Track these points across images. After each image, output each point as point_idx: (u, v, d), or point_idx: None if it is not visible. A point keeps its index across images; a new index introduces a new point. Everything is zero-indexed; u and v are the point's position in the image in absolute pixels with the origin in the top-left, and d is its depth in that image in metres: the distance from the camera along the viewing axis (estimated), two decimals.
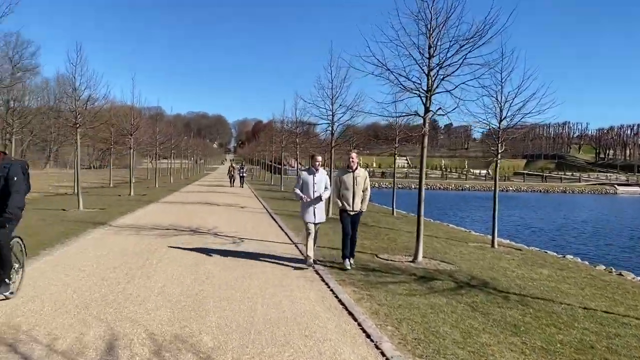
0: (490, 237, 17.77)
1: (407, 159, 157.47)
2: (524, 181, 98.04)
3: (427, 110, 10.17)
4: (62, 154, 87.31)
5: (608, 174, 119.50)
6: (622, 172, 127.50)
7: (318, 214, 9.32)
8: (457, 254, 12.03)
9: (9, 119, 19.11)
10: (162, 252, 9.93)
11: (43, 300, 6.34)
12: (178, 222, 15.34)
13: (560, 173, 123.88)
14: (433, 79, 9.89)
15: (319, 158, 9.38)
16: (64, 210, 18.17)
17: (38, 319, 5.63)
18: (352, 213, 9.41)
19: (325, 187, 9.32)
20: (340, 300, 6.83)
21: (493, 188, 15.85)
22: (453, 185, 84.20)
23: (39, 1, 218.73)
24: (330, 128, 19.15)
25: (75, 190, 29.50)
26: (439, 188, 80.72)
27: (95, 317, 5.72)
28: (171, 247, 10.63)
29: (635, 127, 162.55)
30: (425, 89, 10.10)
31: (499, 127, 15.33)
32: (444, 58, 9.74)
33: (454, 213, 38.82)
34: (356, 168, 9.46)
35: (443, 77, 9.89)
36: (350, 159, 9.46)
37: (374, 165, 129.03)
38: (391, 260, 10.40)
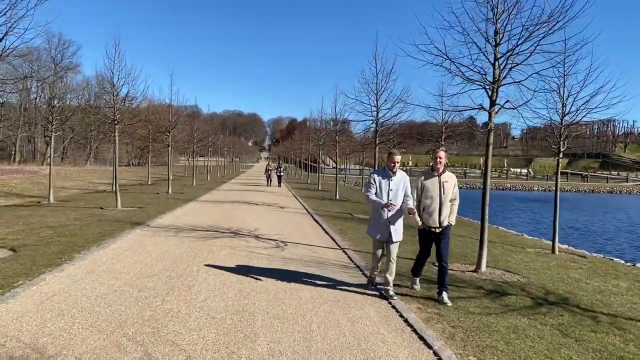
0: (548, 241, 16.58)
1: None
2: (567, 180, 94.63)
3: (493, 103, 9.17)
4: (101, 151, 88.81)
5: None
6: None
7: (395, 230, 7.10)
8: (518, 261, 10.96)
9: (48, 117, 18.84)
10: (202, 257, 9.23)
11: (74, 315, 5.67)
12: (217, 222, 14.69)
13: (605, 172, 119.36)
14: (501, 68, 8.87)
15: (398, 157, 7.14)
16: (101, 208, 17.80)
17: (67, 339, 4.94)
18: (437, 230, 7.17)
19: (405, 195, 7.16)
20: (406, 321, 5.94)
21: (553, 188, 14.73)
22: (494, 185, 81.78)
23: (80, 1, 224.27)
24: (374, 124, 18.23)
25: (114, 188, 29.60)
26: (479, 188, 78.58)
27: (131, 339, 4.99)
28: (212, 251, 9.92)
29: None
30: (491, 80, 9.10)
31: (560, 123, 14.16)
32: (514, 45, 8.72)
33: (500, 214, 37.28)
34: (443, 171, 7.29)
35: (511, 67, 8.87)
36: (437, 159, 7.23)
37: (409, 163, 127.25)
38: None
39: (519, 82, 8.76)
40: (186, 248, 10.17)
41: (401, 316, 6.11)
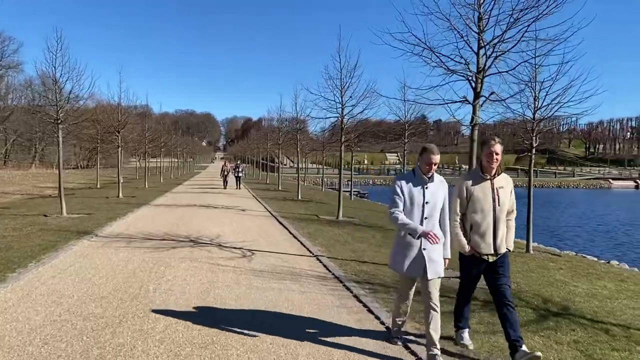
0: (522, 240, 16.19)
1: (397, 155, 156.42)
2: (517, 176, 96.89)
3: (477, 95, 8.45)
4: (47, 153, 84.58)
5: (599, 169, 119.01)
6: (613, 166, 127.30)
7: (432, 262, 4.85)
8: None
9: None
10: (159, 273, 8.10)
11: None
12: (174, 229, 13.49)
13: (552, 168, 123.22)
14: (487, 56, 8.14)
15: (437, 156, 4.80)
16: (45, 216, 16.23)
17: None
18: (492, 259, 5.09)
19: (442, 209, 4.97)
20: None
21: (527, 185, 14.31)
22: (448, 181, 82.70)
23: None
24: (339, 121, 17.37)
25: (59, 193, 27.63)
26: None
27: None
28: (170, 264, 8.79)
29: (624, 122, 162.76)
30: (475, 70, 8.38)
31: (533, 118, 13.75)
32: (501, 31, 8.01)
33: None
34: (498, 173, 5.17)
35: (497, 56, 8.17)
36: (492, 155, 5.02)
37: (365, 161, 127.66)
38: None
39: (506, 71, 8.08)
40: (140, 261, 9.00)
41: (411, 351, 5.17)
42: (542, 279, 9.21)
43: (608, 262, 13.92)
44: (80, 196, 26.48)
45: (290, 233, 13.14)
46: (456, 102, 8.69)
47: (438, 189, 4.93)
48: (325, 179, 48.55)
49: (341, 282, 7.72)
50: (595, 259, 14.67)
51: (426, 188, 4.87)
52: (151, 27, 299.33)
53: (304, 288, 7.32)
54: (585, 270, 10.83)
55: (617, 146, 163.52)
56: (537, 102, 13.21)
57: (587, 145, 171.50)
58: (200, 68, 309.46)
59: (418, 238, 4.75)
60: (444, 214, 4.94)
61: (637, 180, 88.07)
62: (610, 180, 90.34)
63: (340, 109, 17.13)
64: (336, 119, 17.64)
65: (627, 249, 21.47)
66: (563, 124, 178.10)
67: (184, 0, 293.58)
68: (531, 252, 13.28)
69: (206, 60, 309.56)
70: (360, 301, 6.65)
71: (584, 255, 15.30)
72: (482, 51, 8.35)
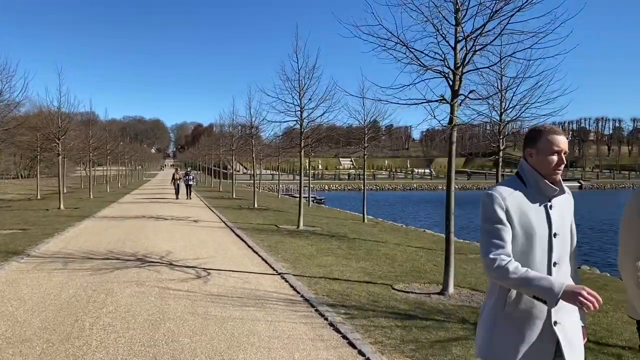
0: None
1: (351, 160, 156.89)
2: (468, 179, 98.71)
3: (455, 94, 7.70)
4: None
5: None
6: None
7: (569, 348, 2.44)
8: (475, 274, 9.64)
9: None
10: (99, 303, 6.90)
11: None
12: (119, 245, 12.17)
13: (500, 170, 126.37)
14: (467, 49, 7.39)
15: (565, 140, 2.54)
16: None
17: None
18: None
19: (571, 244, 2.61)
20: None
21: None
22: (401, 185, 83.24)
23: None
24: (298, 125, 16.44)
25: None
26: (387, 189, 79.51)
27: None
28: (112, 291, 7.59)
29: (565, 124, 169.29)
30: (453, 66, 7.63)
31: (499, 120, 13.31)
32: (479, 24, 7.30)
33: (427, 216, 36.93)
34: None
35: (475, 51, 7.45)
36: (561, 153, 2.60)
37: (319, 166, 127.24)
38: (412, 292, 7.86)
39: (487, 67, 7.38)
40: (77, 287, 7.75)
41: None
42: None
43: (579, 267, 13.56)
44: (17, 209, 24.44)
45: (249, 247, 12.07)
46: (433, 101, 7.92)
47: (565, 208, 2.62)
48: (281, 185, 47.46)
49: (312, 306, 6.76)
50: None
51: (550, 208, 2.55)
52: (97, 28, 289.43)
53: (271, 316, 6.31)
54: None
55: None
56: (503, 104, 12.77)
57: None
58: (147, 71, 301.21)
59: (556, 303, 2.25)
60: (573, 253, 2.64)
61: (581, 182, 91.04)
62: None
63: (299, 112, 16.23)
64: (294, 122, 16.75)
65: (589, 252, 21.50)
66: (508, 128, 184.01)
67: None
68: None
69: (153, 63, 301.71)
70: (338, 331, 5.70)
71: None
72: (459, 45, 7.62)
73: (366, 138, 20.97)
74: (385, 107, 20.20)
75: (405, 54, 7.76)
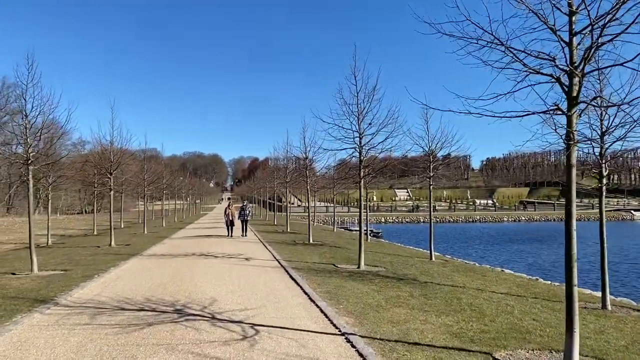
0: (597, 293, 13.46)
1: (407, 191, 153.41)
2: (535, 210, 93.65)
3: (573, 101, 5.83)
4: (53, 198, 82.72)
5: (617, 200, 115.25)
6: (631, 197, 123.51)
7: None
8: (604, 337, 7.50)
9: None
10: None
11: None
12: (160, 291, 10.76)
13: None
14: (594, 45, 5.54)
15: None
16: (13, 274, 13.67)
17: None
18: None
19: None
20: None
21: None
22: (463, 217, 79.62)
23: None
24: (357, 153, 14.81)
25: (48, 242, 25.09)
26: (449, 221, 76.17)
27: None
28: (136, 358, 6.07)
29: (637, 151, 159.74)
30: (569, 63, 5.79)
31: (600, 141, 11.24)
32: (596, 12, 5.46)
33: (497, 251, 34.13)
34: None
35: (600, 45, 5.57)
36: None
37: (374, 198, 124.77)
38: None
39: (621, 64, 5.44)
40: (94, 354, 6.26)
41: None
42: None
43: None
44: (70, 245, 23.92)
45: (306, 293, 10.35)
46: (544, 112, 6.08)
47: None
48: (337, 218, 45.82)
49: None
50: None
51: None
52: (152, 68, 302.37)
53: None
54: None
55: (632, 176, 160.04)
56: (605, 120, 10.66)
57: (600, 177, 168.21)
58: (204, 108, 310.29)
59: None
60: None
61: None
62: (632, 211, 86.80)
63: (358, 138, 14.63)
64: (352, 150, 15.12)
65: None
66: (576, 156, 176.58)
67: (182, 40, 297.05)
68: (609, 307, 10.47)
69: (210, 101, 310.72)
70: None
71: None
72: (575, 39, 5.81)
73: (431, 166, 19.08)
74: (453, 132, 18.33)
75: (504, 52, 6.01)
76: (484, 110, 6.45)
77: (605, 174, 11.43)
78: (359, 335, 6.96)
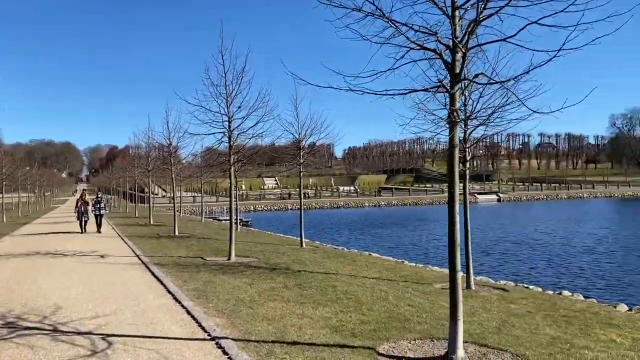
0: (481, 277, 13.97)
1: (275, 179, 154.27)
2: (392, 195, 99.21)
3: (456, 78, 5.57)
4: None
5: (461, 184, 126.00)
6: (474, 182, 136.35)
7: None
8: (478, 320, 7.55)
9: None
10: None
11: None
12: None
13: (420, 185, 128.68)
14: (477, 19, 5.28)
15: None
16: None
17: None
18: None
19: None
20: None
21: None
22: (328, 204, 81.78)
23: None
24: (227, 138, 13.90)
25: None
26: (315, 207, 77.70)
27: None
28: None
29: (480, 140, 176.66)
30: (453, 38, 5.51)
31: (464, 126, 11.65)
32: None
33: (368, 237, 34.96)
34: None
35: (484, 18, 5.34)
36: None
37: (243, 187, 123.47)
38: (405, 357, 5.61)
39: (504, 39, 5.24)
40: None
41: None
42: (535, 338, 6.59)
43: (560, 293, 11.95)
44: None
45: (170, 292, 9.31)
46: (426, 90, 5.78)
47: None
48: (205, 208, 44.21)
49: None
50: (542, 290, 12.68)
51: None
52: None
53: None
54: (566, 314, 8.58)
55: (475, 163, 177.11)
56: (468, 106, 10.89)
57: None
58: (55, 91, 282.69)
59: None
60: None
61: (499, 194, 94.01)
62: (476, 195, 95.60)
63: (227, 122, 13.74)
64: (222, 134, 14.18)
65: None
66: (426, 145, 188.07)
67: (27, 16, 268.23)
68: (472, 287, 10.86)
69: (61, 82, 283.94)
70: None
71: (526, 285, 13.27)
72: (459, 12, 5.55)
73: (301, 153, 18.74)
74: (323, 118, 18.14)
75: (387, 24, 5.57)
76: (365, 88, 6.02)
77: (468, 158, 11.82)
78: (232, 339, 6.19)
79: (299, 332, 6.52)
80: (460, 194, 6.10)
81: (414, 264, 16.50)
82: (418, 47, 5.69)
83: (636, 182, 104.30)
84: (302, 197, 20.55)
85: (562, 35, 4.64)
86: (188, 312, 7.66)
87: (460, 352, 5.55)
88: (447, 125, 6.76)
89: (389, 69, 5.98)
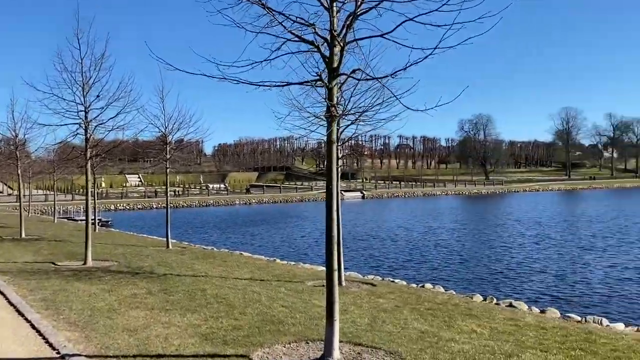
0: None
1: (139, 176, 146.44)
2: (263, 193, 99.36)
3: (334, 72, 5.42)
4: None
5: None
6: (340, 180, 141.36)
7: None
8: (352, 318, 7.54)
9: None
10: None
11: None
12: None
13: (291, 183, 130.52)
14: (355, 12, 5.15)
15: None
16: None
17: None
18: None
19: None
20: None
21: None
22: (197, 202, 79.44)
23: None
24: (83, 130, 12.59)
25: None
26: (183, 206, 74.99)
27: None
28: None
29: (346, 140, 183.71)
30: (330, 31, 5.35)
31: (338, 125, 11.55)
32: None
33: (239, 236, 34.09)
34: None
35: (360, 13, 5.25)
36: None
37: (103, 184, 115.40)
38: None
39: (382, 34, 5.18)
40: None
41: None
42: (406, 333, 6.74)
43: (423, 286, 12.53)
44: None
45: (12, 304, 8.11)
46: (303, 83, 5.56)
47: None
48: (59, 207, 40.44)
49: None
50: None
51: None
52: None
53: None
54: (431, 307, 8.95)
55: (340, 162, 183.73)
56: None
57: (317, 162, 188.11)
58: None
59: None
60: None
61: (363, 192, 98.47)
62: (342, 192, 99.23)
63: (84, 112, 12.47)
64: (77, 126, 12.83)
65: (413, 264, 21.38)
66: (297, 143, 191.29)
67: None
68: (343, 283, 10.99)
69: None
70: None
71: (392, 279, 13.76)
72: (336, 5, 5.41)
73: (168, 148, 17.75)
74: (192, 112, 17.35)
75: (263, 9, 5.25)
76: (240, 78, 5.64)
77: (340, 155, 11.92)
78: (86, 356, 5.47)
79: (164, 343, 5.97)
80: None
81: (286, 262, 16.42)
82: (296, 39, 5.46)
83: (480, 181, 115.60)
84: (168, 194, 19.49)
85: (439, 34, 4.68)
86: (33, 327, 6.68)
87: (336, 353, 5.42)
88: (320, 124, 6.66)
89: (265, 60, 5.68)
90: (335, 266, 5.63)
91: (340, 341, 6.02)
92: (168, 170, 18.60)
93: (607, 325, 8.74)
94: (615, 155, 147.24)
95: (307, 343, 6.10)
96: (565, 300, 13.90)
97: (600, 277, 17.25)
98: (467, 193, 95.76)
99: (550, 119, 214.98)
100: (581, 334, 7.17)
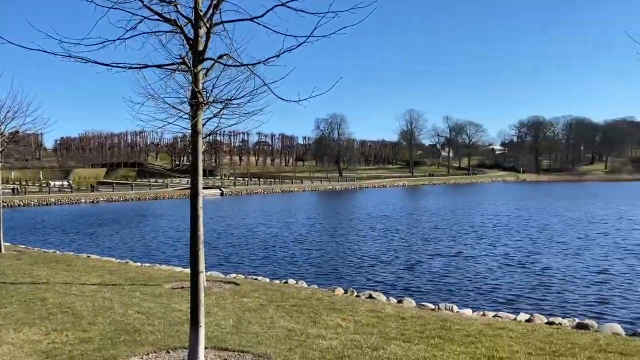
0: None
1: None
2: (113, 191, 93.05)
3: (199, 56, 4.99)
4: None
5: (188, 179, 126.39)
6: (204, 177, 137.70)
7: None
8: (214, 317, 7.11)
9: None
10: None
11: None
12: None
13: (144, 180, 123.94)
14: None
15: None
16: None
17: None
18: None
19: None
20: None
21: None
22: (36, 201, 71.84)
23: None
24: None
25: None
26: (18, 205, 67.31)
27: None
28: None
29: (207, 135, 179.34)
30: (195, 12, 4.91)
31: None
32: None
33: (86, 238, 31.10)
34: None
35: None
36: None
37: None
38: None
39: (252, 18, 4.86)
40: None
41: None
42: (273, 332, 6.55)
43: (286, 282, 12.42)
44: None
45: None
46: (161, 66, 5.03)
47: None
48: None
49: None
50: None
51: None
52: None
53: None
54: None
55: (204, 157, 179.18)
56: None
57: (173, 158, 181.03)
58: None
59: None
60: None
61: (222, 189, 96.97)
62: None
63: None
64: None
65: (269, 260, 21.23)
66: (149, 138, 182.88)
67: None
68: (205, 284, 10.48)
69: None
70: None
71: (255, 277, 13.45)
72: None
73: (1, 141, 15.61)
74: (29, 99, 15.44)
75: None
76: (89, 58, 4.95)
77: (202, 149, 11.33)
78: None
79: None
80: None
81: (140, 264, 15.31)
82: (156, 17, 4.92)
83: (334, 177, 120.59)
84: (0, 192, 17.13)
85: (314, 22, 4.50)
86: None
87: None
88: (179, 115, 6.17)
89: (119, 39, 5.06)
90: (202, 268, 5.21)
91: (205, 347, 5.62)
92: (1, 165, 16.39)
93: (458, 312, 9.37)
94: (451, 154, 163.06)
95: (168, 352, 5.60)
96: (417, 289, 14.78)
97: (443, 265, 18.72)
98: (322, 189, 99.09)
99: (397, 120, 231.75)
100: (437, 322, 7.55)
